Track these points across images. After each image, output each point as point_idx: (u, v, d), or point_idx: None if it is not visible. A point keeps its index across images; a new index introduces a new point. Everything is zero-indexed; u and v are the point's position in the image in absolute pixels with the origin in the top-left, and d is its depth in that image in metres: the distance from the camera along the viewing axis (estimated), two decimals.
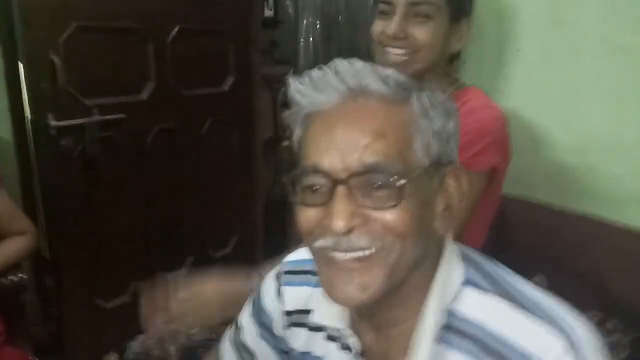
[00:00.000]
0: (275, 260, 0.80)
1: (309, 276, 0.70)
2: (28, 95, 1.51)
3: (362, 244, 0.51)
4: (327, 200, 0.52)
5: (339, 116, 0.53)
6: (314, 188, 0.54)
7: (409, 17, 0.93)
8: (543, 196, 1.14)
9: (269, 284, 0.75)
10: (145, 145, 1.83)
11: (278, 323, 0.73)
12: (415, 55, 0.94)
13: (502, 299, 0.55)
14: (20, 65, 1.49)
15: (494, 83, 1.24)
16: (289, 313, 0.71)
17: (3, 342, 1.27)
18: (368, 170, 0.51)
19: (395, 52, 0.95)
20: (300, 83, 0.56)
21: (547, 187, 1.20)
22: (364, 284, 0.52)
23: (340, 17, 2.31)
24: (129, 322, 1.84)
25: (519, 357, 0.52)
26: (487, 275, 0.58)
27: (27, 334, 1.48)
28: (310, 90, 0.55)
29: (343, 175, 0.51)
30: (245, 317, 0.78)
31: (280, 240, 2.56)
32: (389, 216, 0.51)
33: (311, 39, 2.26)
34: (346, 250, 0.52)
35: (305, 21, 2.30)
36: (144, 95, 1.80)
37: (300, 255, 0.74)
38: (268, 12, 2.60)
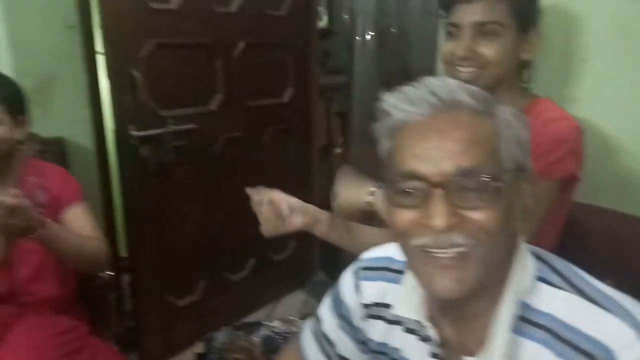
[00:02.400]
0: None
1: (385, 272, 0.77)
2: (112, 108, 1.64)
3: (459, 241, 0.57)
4: (423, 203, 0.58)
5: (433, 126, 0.59)
6: (410, 191, 0.59)
7: (476, 37, 0.97)
8: (610, 203, 1.16)
9: (347, 279, 0.82)
10: (212, 153, 1.95)
11: (356, 315, 0.79)
12: (484, 72, 0.98)
13: (573, 293, 0.60)
14: (105, 81, 1.62)
15: (561, 93, 1.26)
16: (366, 306, 0.78)
17: (89, 334, 1.37)
18: (464, 174, 0.57)
19: (465, 70, 0.99)
20: (395, 97, 0.62)
21: (614, 194, 1.22)
22: (461, 279, 0.58)
23: (393, 30, 2.37)
24: (199, 320, 1.97)
25: (590, 344, 0.56)
26: (557, 272, 0.63)
27: (109, 329, 1.61)
28: (405, 104, 0.61)
29: (440, 179, 0.57)
30: (325, 310, 0.85)
31: (333, 246, 2.63)
32: (484, 216, 0.57)
33: (366, 49, 2.33)
34: (444, 248, 0.58)
35: (360, 33, 2.37)
36: (213, 106, 1.92)
37: (377, 253, 0.81)
38: (321, 24, 2.69)
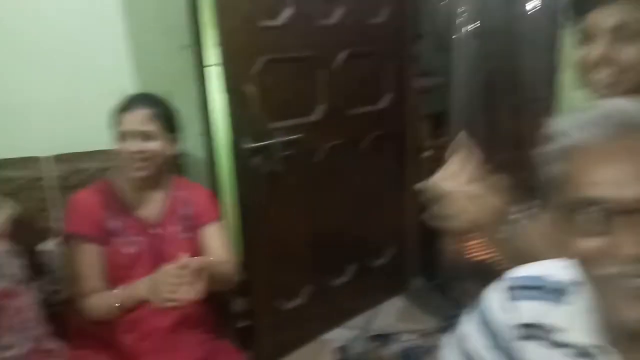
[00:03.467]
0: None
1: (542, 292, 0.73)
2: (228, 121, 1.75)
3: None
4: (609, 230, 0.56)
5: (613, 151, 0.57)
6: (595, 218, 0.57)
7: (614, 41, 0.92)
8: None
9: (496, 297, 0.79)
10: (315, 161, 2.01)
11: (508, 335, 0.76)
12: (622, 76, 0.93)
13: None
14: (219, 96, 1.73)
15: None
16: (522, 326, 0.75)
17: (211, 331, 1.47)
18: None
19: (601, 77, 0.94)
20: (570, 119, 0.61)
21: None
22: None
23: (494, 32, 2.30)
24: (304, 322, 2.05)
25: None
26: None
27: (227, 329, 1.71)
28: (583, 126, 0.60)
29: (630, 205, 0.55)
30: (471, 328, 0.83)
31: (432, 252, 2.62)
32: None
33: (464, 49, 2.28)
34: (636, 277, 0.55)
35: (457, 32, 2.33)
36: (316, 116, 1.98)
37: (531, 271, 0.77)
38: None
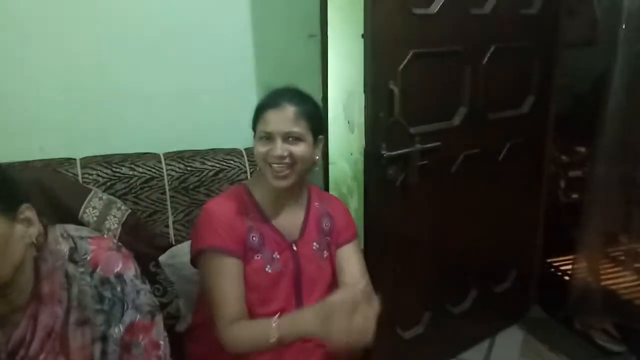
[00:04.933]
0: None
1: None
2: (367, 126, 1.51)
3: None
4: None
5: None
6: None
7: None
8: None
9: None
10: (450, 172, 1.75)
11: None
12: None
13: None
14: (364, 97, 1.48)
15: None
16: None
17: None
18: None
19: None
20: None
21: None
22: None
23: None
24: (422, 351, 1.81)
25: None
26: None
27: None
28: None
29: None
30: None
31: (557, 277, 2.31)
32: None
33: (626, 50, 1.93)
34: None
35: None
36: (456, 121, 1.71)
37: None
38: None
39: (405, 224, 1.69)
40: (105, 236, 1.17)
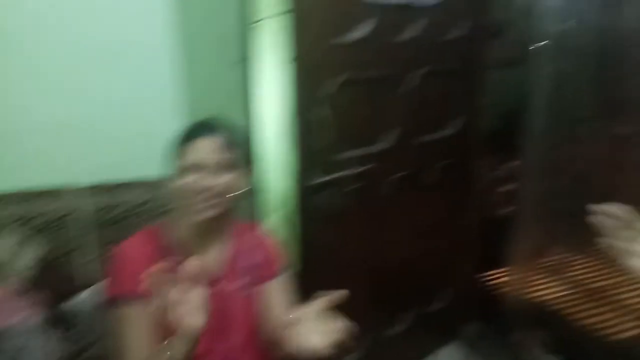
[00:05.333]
0: None
1: None
2: (298, 152, 1.48)
3: None
4: None
5: None
6: None
7: None
8: None
9: None
10: (380, 196, 1.75)
11: None
12: None
13: None
14: (294, 123, 1.46)
15: None
16: None
17: None
18: None
19: None
20: None
21: None
22: None
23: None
24: None
25: None
26: None
27: None
28: None
29: None
30: None
31: (490, 293, 2.37)
32: None
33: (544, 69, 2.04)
34: None
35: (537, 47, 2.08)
36: (387, 144, 1.72)
37: None
38: None
39: (341, 249, 1.67)
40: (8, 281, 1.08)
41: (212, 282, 1.12)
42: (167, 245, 1.11)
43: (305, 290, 1.57)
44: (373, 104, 1.63)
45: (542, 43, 2.07)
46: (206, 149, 1.06)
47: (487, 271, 2.42)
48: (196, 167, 1.05)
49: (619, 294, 2.21)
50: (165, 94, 1.55)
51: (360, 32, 1.53)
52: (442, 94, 1.87)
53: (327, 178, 1.52)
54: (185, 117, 1.49)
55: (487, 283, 2.41)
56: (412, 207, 1.86)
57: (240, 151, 1.09)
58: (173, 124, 1.43)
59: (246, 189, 1.13)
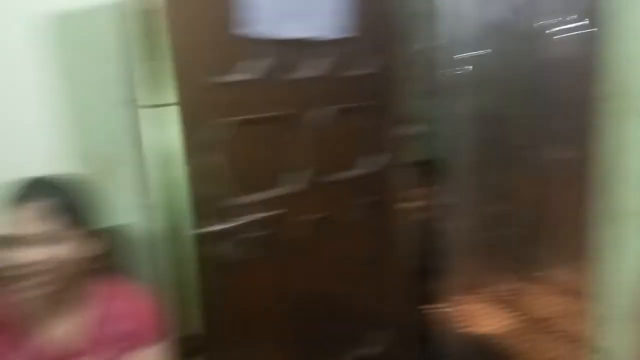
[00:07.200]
0: None
1: None
2: (193, 200, 1.38)
3: None
4: None
5: None
6: None
7: None
8: None
9: None
10: (300, 238, 1.66)
11: None
12: None
13: None
14: (185, 170, 1.37)
15: None
16: None
17: None
18: None
19: None
20: None
21: None
22: None
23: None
24: None
25: None
26: None
27: None
28: None
29: None
30: None
31: (434, 327, 2.26)
32: None
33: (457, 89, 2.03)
34: None
35: (447, 68, 2.09)
36: (296, 186, 1.63)
37: None
38: None
39: (255, 301, 1.56)
40: None
41: (70, 357, 0.99)
42: (3, 326, 0.97)
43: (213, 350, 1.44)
44: (275, 145, 1.56)
45: (462, 71, 2.08)
46: (24, 219, 0.93)
47: (425, 306, 2.33)
48: (16, 241, 0.92)
49: (564, 323, 2.15)
50: (46, 138, 1.45)
51: (253, 70, 1.47)
52: (358, 130, 1.82)
53: (227, 225, 1.42)
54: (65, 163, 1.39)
55: (426, 319, 2.31)
56: (335, 248, 1.77)
57: (73, 215, 0.98)
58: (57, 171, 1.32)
59: (91, 255, 1.01)
